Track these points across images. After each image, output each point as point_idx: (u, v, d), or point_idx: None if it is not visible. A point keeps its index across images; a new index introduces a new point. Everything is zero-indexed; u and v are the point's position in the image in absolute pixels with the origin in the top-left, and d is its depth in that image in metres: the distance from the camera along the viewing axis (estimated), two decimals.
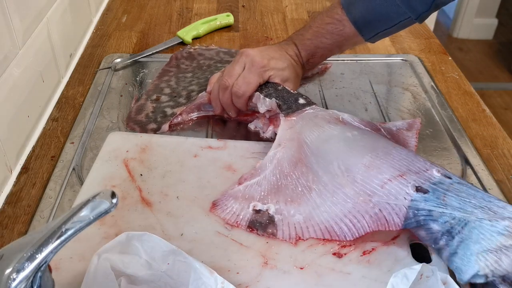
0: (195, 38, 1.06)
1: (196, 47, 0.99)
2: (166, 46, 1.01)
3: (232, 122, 0.79)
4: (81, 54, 0.98)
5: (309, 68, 0.82)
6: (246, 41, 1.04)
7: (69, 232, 0.39)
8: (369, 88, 0.88)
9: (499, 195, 0.66)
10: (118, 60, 0.95)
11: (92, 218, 0.40)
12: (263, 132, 0.75)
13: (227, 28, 1.10)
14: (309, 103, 0.72)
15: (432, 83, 0.90)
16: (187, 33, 1.05)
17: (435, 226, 0.54)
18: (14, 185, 0.68)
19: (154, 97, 0.84)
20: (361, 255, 0.56)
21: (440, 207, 0.54)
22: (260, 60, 0.73)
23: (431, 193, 0.55)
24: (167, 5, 1.19)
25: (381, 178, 0.58)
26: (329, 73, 0.92)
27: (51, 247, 0.39)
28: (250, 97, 0.74)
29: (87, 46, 1.01)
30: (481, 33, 3.05)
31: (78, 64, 0.95)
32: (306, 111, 0.70)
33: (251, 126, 0.76)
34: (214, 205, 0.62)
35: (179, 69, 0.92)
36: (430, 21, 2.20)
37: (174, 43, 1.03)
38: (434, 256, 0.56)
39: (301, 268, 0.54)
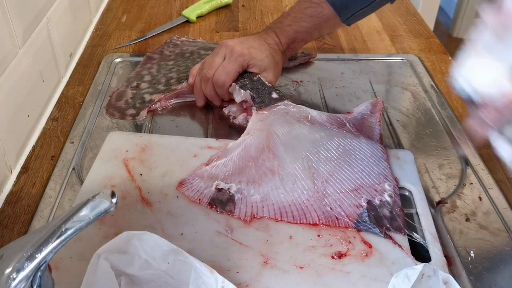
0: (199, 17, 1.11)
1: (184, 38, 1.01)
2: (172, 26, 1.07)
3: (231, 123, 0.79)
4: (81, 54, 0.98)
5: (289, 54, 0.83)
6: None
7: (69, 232, 0.39)
8: (369, 87, 0.88)
9: (499, 195, 0.66)
10: (118, 59, 0.95)
11: (92, 218, 0.40)
12: (235, 118, 0.79)
13: (227, 6, 1.18)
14: (281, 98, 0.75)
15: (432, 83, 0.90)
16: (191, 12, 1.10)
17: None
18: (14, 185, 0.68)
19: (135, 84, 0.86)
20: (360, 255, 0.56)
21: None
22: (239, 49, 0.75)
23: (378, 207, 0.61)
24: (167, 4, 1.19)
25: (339, 187, 0.63)
26: (329, 72, 0.92)
27: (51, 246, 0.39)
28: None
29: (87, 46, 1.01)
30: None
31: (78, 64, 0.95)
32: (278, 107, 0.74)
33: (225, 110, 0.80)
34: (181, 184, 0.64)
35: (162, 56, 0.95)
36: (430, 21, 2.20)
37: (179, 22, 1.09)
38: (433, 255, 0.56)
39: (300, 268, 0.54)
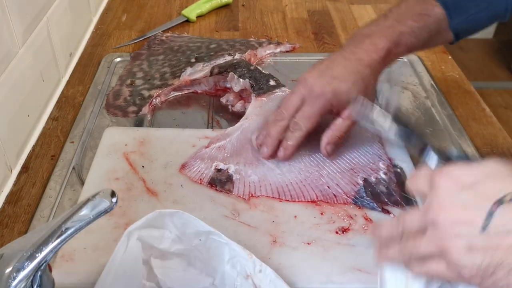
0: (198, 16, 1.11)
1: (168, 34, 1.02)
2: (172, 25, 1.07)
3: (227, 114, 0.81)
4: (81, 54, 0.98)
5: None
6: None
7: (69, 231, 0.39)
8: None
9: None
10: (118, 59, 0.95)
11: (92, 217, 0.40)
12: (232, 106, 0.82)
13: (227, 6, 1.17)
14: (279, 85, 0.78)
15: (432, 82, 0.90)
16: (191, 12, 1.10)
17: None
18: (14, 185, 0.68)
19: (128, 81, 0.87)
20: (362, 228, 0.59)
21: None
22: (319, 88, 0.65)
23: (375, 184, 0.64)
24: (167, 4, 1.19)
25: (335, 167, 0.67)
26: None
27: (51, 246, 0.39)
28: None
29: (87, 45, 1.01)
30: (481, 32, 3.04)
31: (78, 64, 0.95)
32: (276, 93, 0.77)
33: (223, 100, 0.83)
34: (184, 166, 0.67)
35: (150, 52, 0.96)
36: None
37: (179, 22, 1.09)
38: None
39: (308, 244, 0.57)
